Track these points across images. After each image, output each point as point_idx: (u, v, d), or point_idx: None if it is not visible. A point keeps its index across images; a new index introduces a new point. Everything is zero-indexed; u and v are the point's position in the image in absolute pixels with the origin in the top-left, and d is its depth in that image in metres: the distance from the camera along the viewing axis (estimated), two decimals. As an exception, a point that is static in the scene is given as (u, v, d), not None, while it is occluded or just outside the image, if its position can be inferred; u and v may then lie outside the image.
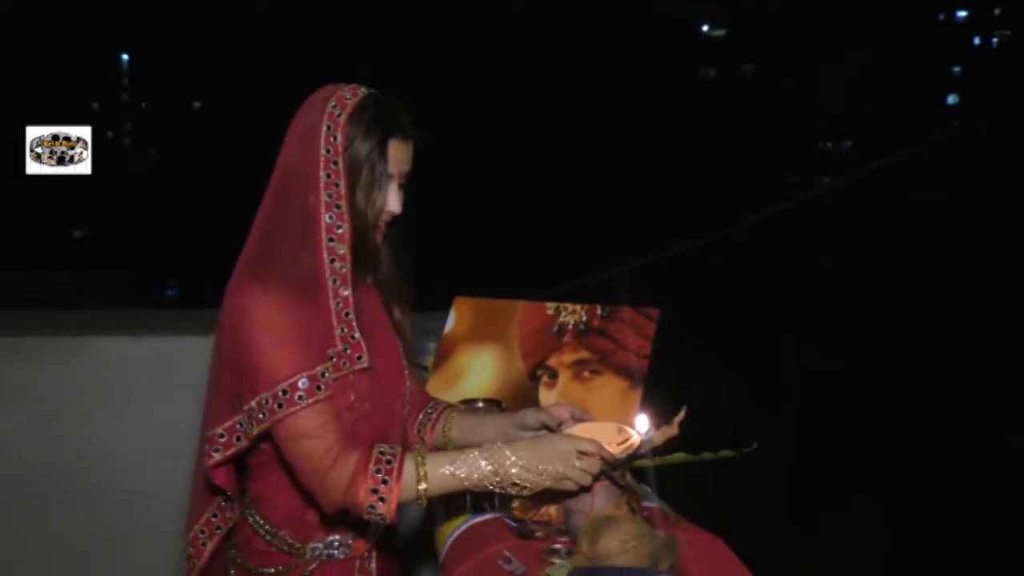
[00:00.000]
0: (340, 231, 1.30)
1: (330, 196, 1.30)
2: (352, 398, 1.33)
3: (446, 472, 1.25)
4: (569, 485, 1.26)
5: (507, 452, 1.25)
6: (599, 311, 1.83)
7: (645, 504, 1.37)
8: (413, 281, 1.52)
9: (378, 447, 1.26)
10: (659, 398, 1.63)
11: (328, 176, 1.30)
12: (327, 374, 1.27)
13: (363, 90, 1.36)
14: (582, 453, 1.26)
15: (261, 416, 1.25)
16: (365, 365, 1.32)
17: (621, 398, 1.74)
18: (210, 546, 1.43)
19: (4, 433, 2.68)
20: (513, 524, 1.45)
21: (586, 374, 1.80)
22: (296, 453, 1.26)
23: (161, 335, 2.82)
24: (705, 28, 35.49)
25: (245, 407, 1.27)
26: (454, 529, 1.46)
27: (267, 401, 1.25)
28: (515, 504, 1.43)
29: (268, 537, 1.39)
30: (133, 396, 2.77)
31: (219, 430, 1.32)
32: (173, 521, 2.53)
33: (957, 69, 34.11)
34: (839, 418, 5.38)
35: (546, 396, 1.83)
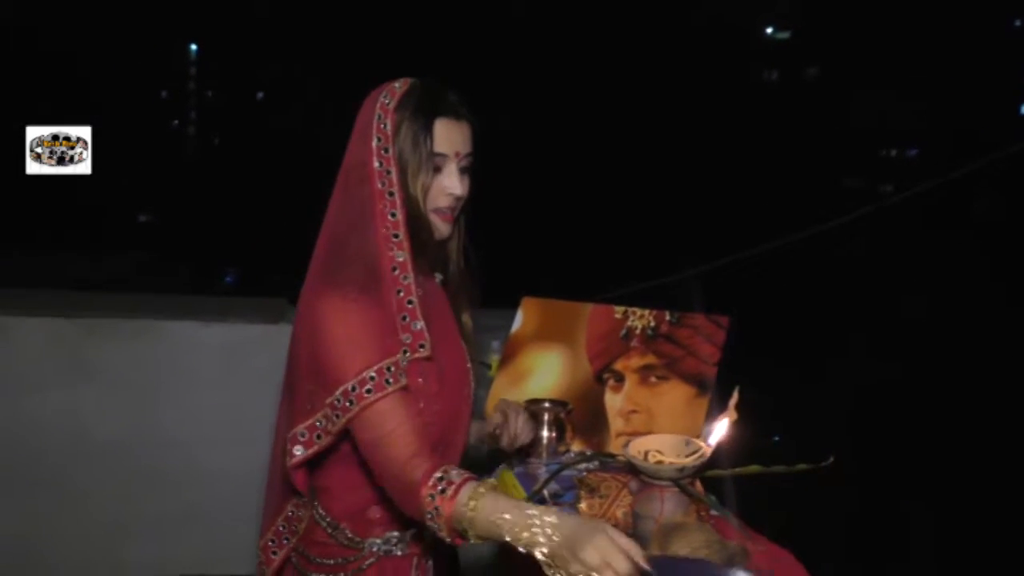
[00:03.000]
0: (394, 219, 1.31)
1: (383, 184, 1.32)
2: (421, 404, 1.32)
3: (495, 519, 1.12)
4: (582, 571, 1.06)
5: (548, 519, 1.10)
6: (668, 316, 1.84)
7: (714, 514, 1.37)
8: (480, 281, 1.52)
9: (440, 472, 1.20)
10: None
11: (380, 164, 1.32)
12: (394, 368, 1.26)
13: (413, 80, 1.38)
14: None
15: (338, 413, 1.25)
16: (427, 354, 1.31)
17: (687, 405, 1.74)
18: (280, 555, 1.45)
19: (81, 408, 2.79)
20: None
21: (653, 379, 1.80)
22: (373, 447, 1.25)
23: (229, 322, 2.91)
24: (769, 31, 34.94)
25: (328, 401, 1.27)
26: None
27: (340, 400, 1.25)
28: (583, 506, 1.44)
29: (329, 529, 1.40)
30: (202, 380, 2.87)
31: (301, 428, 1.32)
32: (240, 502, 2.62)
33: (1031, 79, 33.00)
34: (894, 426, 5.29)
35: (612, 399, 1.83)
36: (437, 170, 1.35)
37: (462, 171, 1.38)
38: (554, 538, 1.07)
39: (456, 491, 1.15)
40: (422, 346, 1.31)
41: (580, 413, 1.83)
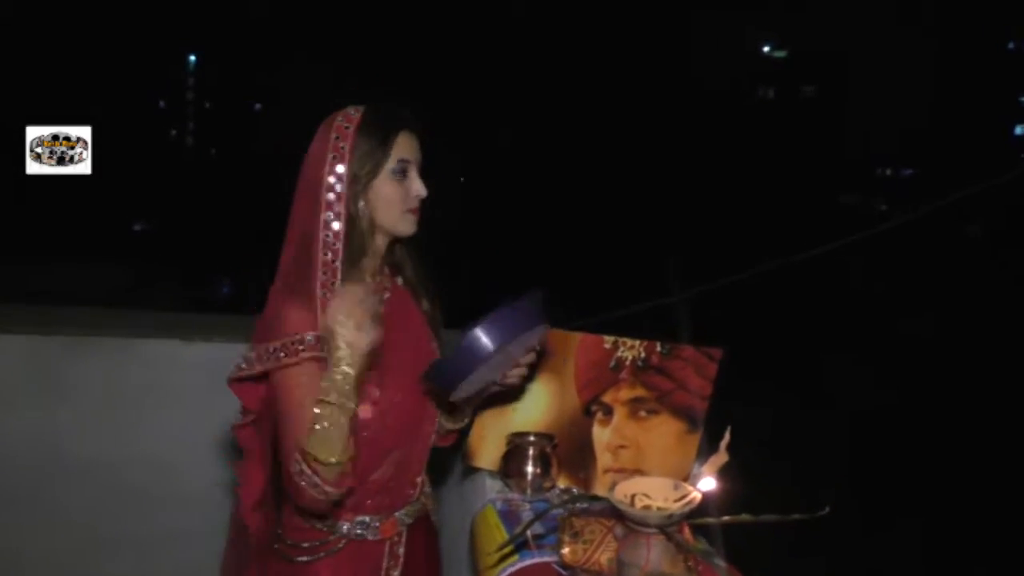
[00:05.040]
0: (335, 228, 1.42)
1: (331, 196, 1.42)
2: (377, 393, 1.45)
3: (318, 429, 1.32)
4: (361, 339, 1.33)
5: (323, 386, 1.34)
6: (659, 348, 1.77)
7: (703, 563, 1.30)
8: (437, 281, 1.62)
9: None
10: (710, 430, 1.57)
11: (334, 180, 1.42)
12: (315, 340, 1.38)
13: (367, 105, 1.49)
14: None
15: (266, 358, 1.40)
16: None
17: (678, 442, 1.68)
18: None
19: (58, 428, 2.72)
20: (563, 572, 1.40)
21: (642, 413, 1.74)
22: (286, 415, 1.38)
23: (213, 340, 2.84)
24: (767, 49, 35.10)
25: (257, 348, 1.42)
26: (500, 572, 1.41)
27: (274, 348, 1.39)
28: (566, 551, 1.38)
29: (303, 515, 1.49)
30: (184, 400, 2.80)
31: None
32: (218, 526, 2.56)
33: (1028, 100, 33.16)
34: (894, 449, 5.20)
35: (600, 433, 1.77)
36: (403, 175, 1.47)
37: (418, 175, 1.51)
38: (332, 377, 1.32)
39: (303, 451, 1.34)
40: None
41: (566, 447, 1.76)
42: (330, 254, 1.41)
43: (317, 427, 1.31)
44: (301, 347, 1.37)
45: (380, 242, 1.51)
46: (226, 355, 2.79)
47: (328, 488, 1.34)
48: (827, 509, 1.16)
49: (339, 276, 1.41)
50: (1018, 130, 33.20)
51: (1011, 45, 33.27)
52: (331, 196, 1.42)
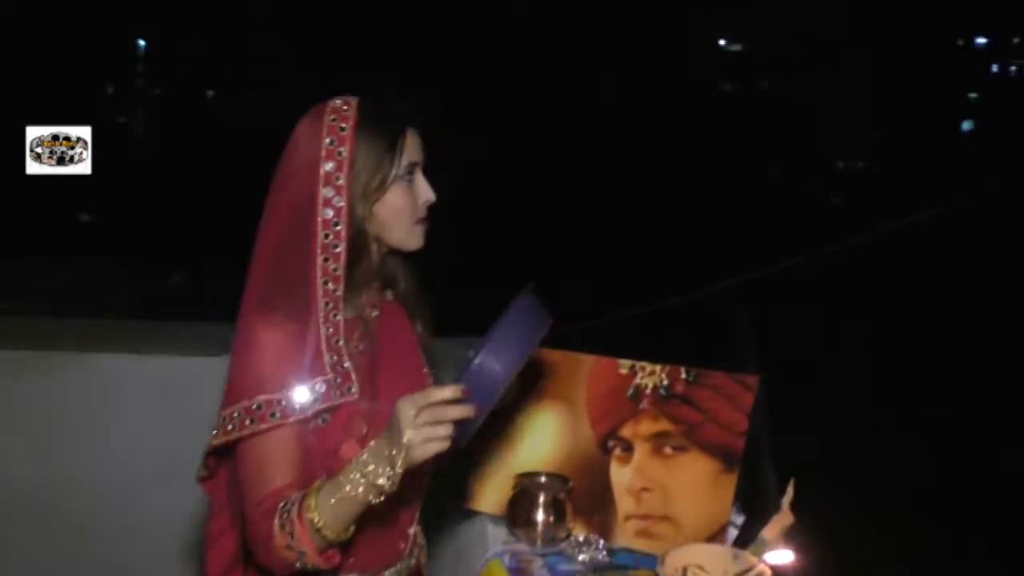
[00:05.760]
0: (336, 251, 1.21)
1: (330, 215, 1.22)
2: (365, 429, 1.23)
3: (330, 501, 1.11)
4: (427, 450, 1.07)
5: (363, 459, 1.10)
6: (683, 374, 1.58)
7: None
8: (433, 297, 1.43)
9: (283, 502, 1.14)
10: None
11: (332, 194, 1.22)
12: (283, 402, 1.18)
13: (354, 98, 1.27)
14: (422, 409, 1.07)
15: (231, 427, 1.19)
16: (355, 397, 1.22)
17: (712, 483, 1.48)
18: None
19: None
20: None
21: (668, 450, 1.54)
22: (246, 480, 1.19)
23: (168, 353, 2.63)
24: (722, 42, 35.28)
25: (222, 412, 1.21)
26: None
27: (239, 413, 1.18)
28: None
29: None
30: (136, 419, 2.61)
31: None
32: (170, 552, 2.35)
33: (974, 96, 33.83)
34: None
35: (619, 473, 1.57)
36: (410, 181, 1.28)
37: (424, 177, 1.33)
38: (378, 455, 1.08)
39: (300, 502, 1.11)
40: (350, 389, 1.22)
41: (582, 489, 1.56)
42: (331, 284, 1.21)
43: (338, 492, 1.10)
44: (277, 413, 1.17)
45: (376, 255, 1.32)
46: (182, 368, 2.60)
47: (310, 555, 1.12)
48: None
49: (341, 305, 1.22)
50: (965, 125, 33.89)
51: (960, 42, 33.92)
52: (329, 213, 1.21)
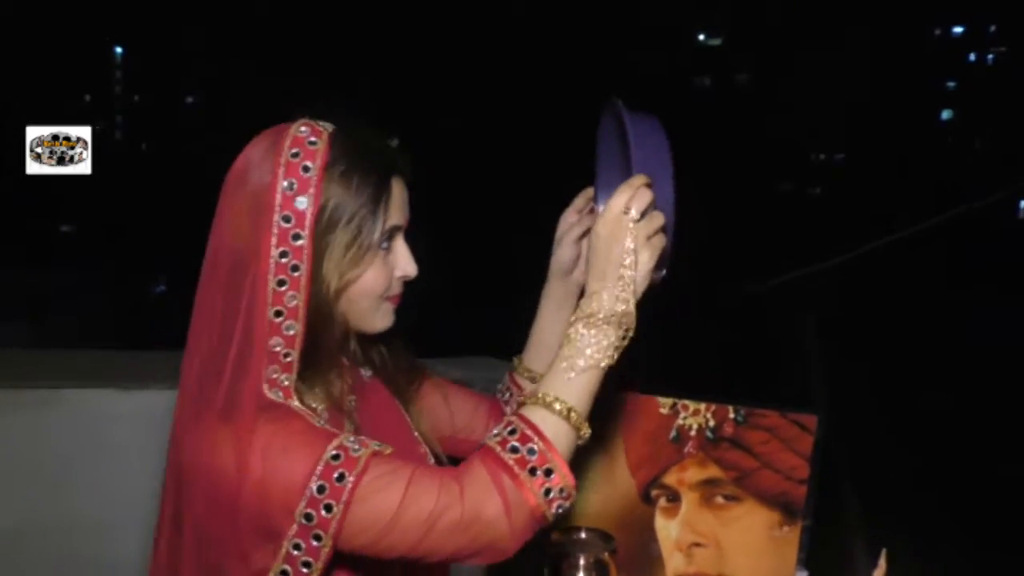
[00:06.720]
0: (290, 333, 0.94)
1: (282, 284, 0.93)
2: None
3: (568, 377, 0.94)
4: (654, 247, 0.96)
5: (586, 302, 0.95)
6: (731, 413, 1.42)
7: None
8: (414, 358, 1.20)
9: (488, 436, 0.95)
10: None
11: (285, 256, 0.93)
12: (344, 446, 0.91)
13: (324, 125, 0.98)
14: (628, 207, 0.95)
15: (316, 535, 0.90)
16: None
17: (771, 538, 1.35)
18: None
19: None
20: None
21: (719, 499, 1.40)
22: (384, 507, 0.90)
23: (153, 388, 2.49)
24: (701, 37, 35.34)
25: (289, 531, 0.90)
26: None
27: (304, 519, 0.90)
28: None
29: None
30: (119, 457, 2.45)
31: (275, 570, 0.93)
32: None
33: (952, 84, 34.13)
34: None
35: (666, 527, 1.47)
36: (387, 249, 1.01)
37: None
38: (599, 288, 0.94)
39: (535, 430, 0.93)
40: None
41: (625, 546, 1.53)
42: (285, 379, 0.94)
43: (576, 359, 0.94)
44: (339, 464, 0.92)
45: (340, 334, 1.05)
46: (164, 403, 2.52)
47: (559, 467, 0.94)
48: None
49: (294, 397, 0.96)
50: (945, 115, 34.15)
51: (937, 31, 34.18)
52: (287, 292, 0.93)
